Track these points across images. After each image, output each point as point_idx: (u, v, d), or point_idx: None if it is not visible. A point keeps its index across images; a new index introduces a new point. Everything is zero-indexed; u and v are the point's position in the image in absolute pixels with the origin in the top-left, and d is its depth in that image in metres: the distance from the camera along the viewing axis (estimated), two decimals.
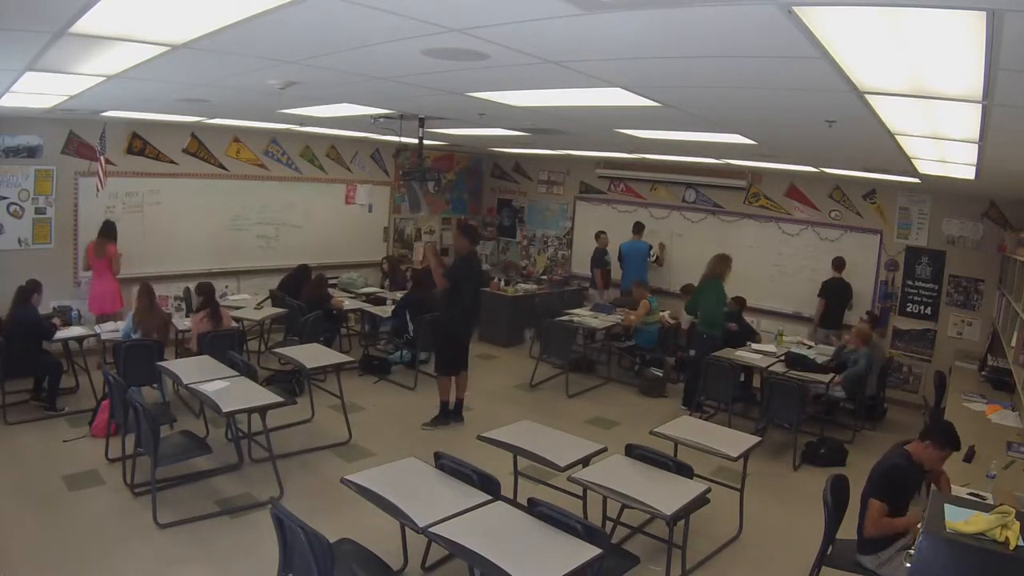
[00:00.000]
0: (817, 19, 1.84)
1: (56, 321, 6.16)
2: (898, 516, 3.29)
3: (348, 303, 8.05)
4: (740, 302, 7.55)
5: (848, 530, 3.52)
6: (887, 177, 6.49)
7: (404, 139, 6.55)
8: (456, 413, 6.17)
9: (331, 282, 8.55)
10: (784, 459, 5.82)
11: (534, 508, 3.19)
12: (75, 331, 6.20)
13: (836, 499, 3.48)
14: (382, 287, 9.25)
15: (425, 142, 6.33)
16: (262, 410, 4.52)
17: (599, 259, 9.20)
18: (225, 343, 5.81)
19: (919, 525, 3.22)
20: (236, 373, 5.04)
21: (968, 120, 2.84)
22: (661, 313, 8.05)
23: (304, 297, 7.56)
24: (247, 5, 2.16)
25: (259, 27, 2.42)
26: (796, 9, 1.75)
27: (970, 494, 3.25)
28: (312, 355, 5.82)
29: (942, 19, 1.67)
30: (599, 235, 9.26)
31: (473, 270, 6.19)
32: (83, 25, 2.46)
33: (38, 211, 6.92)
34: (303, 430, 5.74)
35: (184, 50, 2.88)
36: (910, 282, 7.63)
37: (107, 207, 7.32)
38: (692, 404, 6.73)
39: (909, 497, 3.41)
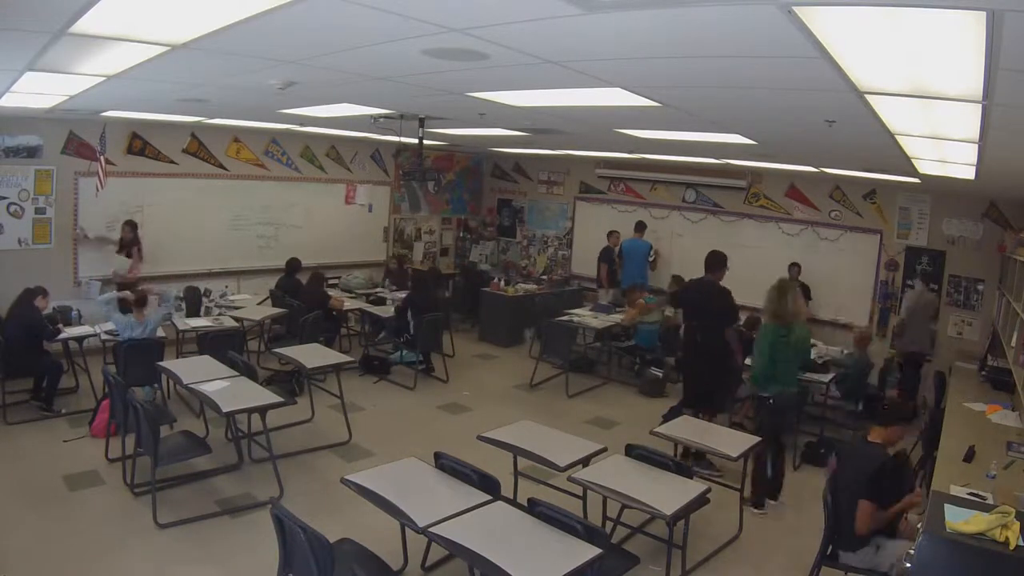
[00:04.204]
0: (817, 19, 1.84)
1: (59, 326, 6.14)
2: (890, 507, 3.37)
3: (348, 303, 8.03)
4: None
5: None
6: (887, 177, 6.49)
7: (404, 139, 6.55)
8: None
9: (332, 282, 8.54)
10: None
11: (534, 508, 3.19)
12: (75, 331, 6.19)
13: (836, 499, 3.48)
14: (382, 286, 9.24)
15: (425, 142, 6.33)
16: (262, 410, 4.52)
17: (606, 256, 9.19)
18: (225, 343, 5.81)
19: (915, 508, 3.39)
20: (236, 373, 5.04)
21: (968, 120, 2.84)
22: (666, 313, 8.03)
23: (303, 296, 7.55)
24: (247, 5, 2.16)
25: (259, 27, 2.42)
26: (796, 9, 1.76)
27: (970, 494, 3.24)
28: (312, 355, 5.83)
29: (942, 19, 1.67)
30: (611, 234, 9.24)
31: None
32: (83, 25, 2.46)
33: (38, 211, 6.92)
34: (303, 430, 5.74)
35: (184, 50, 2.88)
36: (910, 282, 7.62)
37: (107, 207, 7.31)
38: None
39: (903, 485, 3.50)
